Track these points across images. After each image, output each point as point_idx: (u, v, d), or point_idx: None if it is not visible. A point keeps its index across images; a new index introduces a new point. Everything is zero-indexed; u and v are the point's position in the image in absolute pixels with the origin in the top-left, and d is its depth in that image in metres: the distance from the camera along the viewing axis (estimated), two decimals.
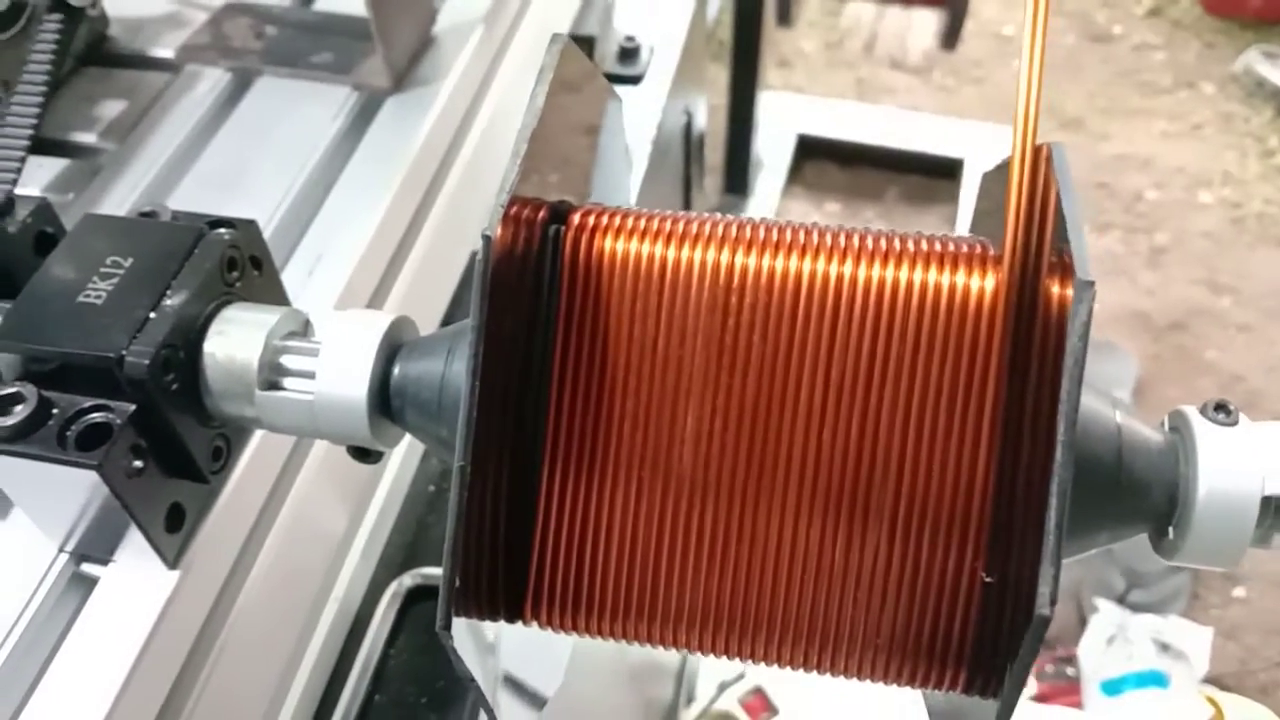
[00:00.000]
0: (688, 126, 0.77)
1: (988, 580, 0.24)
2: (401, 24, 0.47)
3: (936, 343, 0.24)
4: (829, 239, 0.25)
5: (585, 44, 0.68)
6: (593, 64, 0.29)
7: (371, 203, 0.43)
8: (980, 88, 2.53)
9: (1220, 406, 0.28)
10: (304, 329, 0.32)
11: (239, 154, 0.47)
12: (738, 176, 2.19)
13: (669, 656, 1.28)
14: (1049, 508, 0.19)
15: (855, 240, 0.25)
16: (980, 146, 2.30)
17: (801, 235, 0.25)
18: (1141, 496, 0.27)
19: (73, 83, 0.51)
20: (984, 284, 0.24)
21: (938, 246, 0.25)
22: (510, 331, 0.25)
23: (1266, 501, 0.26)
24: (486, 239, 0.22)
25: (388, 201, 0.43)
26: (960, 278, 0.24)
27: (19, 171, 0.46)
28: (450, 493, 0.23)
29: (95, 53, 0.53)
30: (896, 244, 0.25)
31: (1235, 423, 0.27)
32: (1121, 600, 1.65)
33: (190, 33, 0.53)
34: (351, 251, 0.41)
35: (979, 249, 0.25)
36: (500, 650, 0.28)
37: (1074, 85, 2.48)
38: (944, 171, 2.29)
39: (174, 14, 0.55)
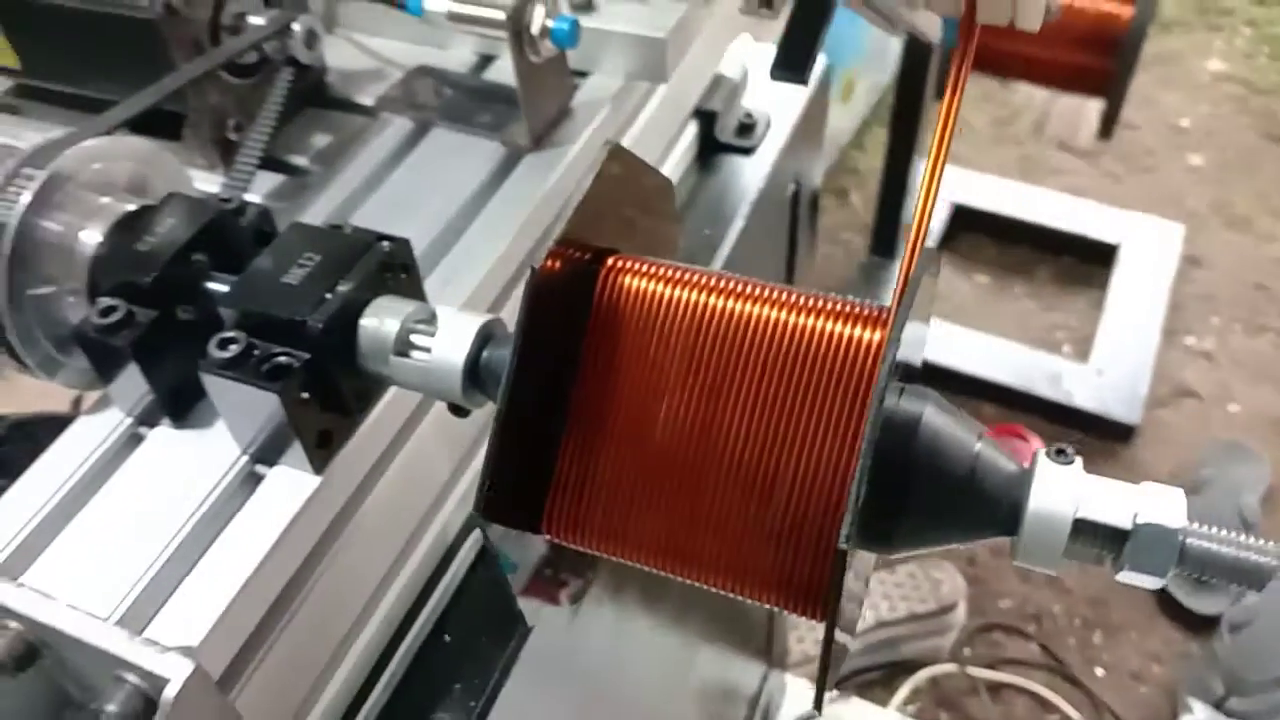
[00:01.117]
0: (795, 194, 0.88)
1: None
2: (544, 98, 0.61)
3: (835, 371, 0.35)
4: (771, 292, 0.37)
5: (708, 118, 0.80)
6: (642, 161, 0.40)
7: (499, 237, 0.57)
8: (1148, 177, 2.53)
9: (1060, 451, 0.37)
10: (430, 319, 0.46)
11: (409, 187, 0.61)
12: (886, 240, 2.25)
13: (746, 679, 1.37)
14: (855, 479, 0.30)
15: (790, 295, 0.37)
16: (1137, 236, 2.30)
17: (754, 289, 0.37)
18: (992, 508, 0.37)
19: (297, 117, 0.67)
20: (873, 336, 0.35)
21: (848, 307, 0.36)
22: (552, 332, 0.37)
23: (1077, 522, 0.36)
24: (531, 269, 0.34)
25: (510, 238, 0.56)
26: (858, 330, 0.35)
27: (250, 182, 0.62)
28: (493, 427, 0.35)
29: (316, 95, 0.69)
30: (820, 301, 0.36)
31: (1070, 464, 0.37)
32: (1219, 705, 1.64)
33: (387, 86, 0.68)
34: (478, 271, 0.55)
35: (875, 311, 0.36)
36: None
37: (1246, 184, 2.46)
38: (1098, 256, 2.29)
39: (378, 70, 0.70)
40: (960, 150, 2.58)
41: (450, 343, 0.43)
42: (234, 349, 0.44)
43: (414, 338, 0.45)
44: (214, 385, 0.45)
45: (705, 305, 0.37)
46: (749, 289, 0.37)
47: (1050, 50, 1.78)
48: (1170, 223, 2.24)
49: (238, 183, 0.61)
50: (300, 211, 0.60)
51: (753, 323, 0.36)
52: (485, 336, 0.44)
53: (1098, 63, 1.73)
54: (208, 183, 0.64)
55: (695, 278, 0.38)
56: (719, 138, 0.81)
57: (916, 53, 1.88)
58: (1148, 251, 2.18)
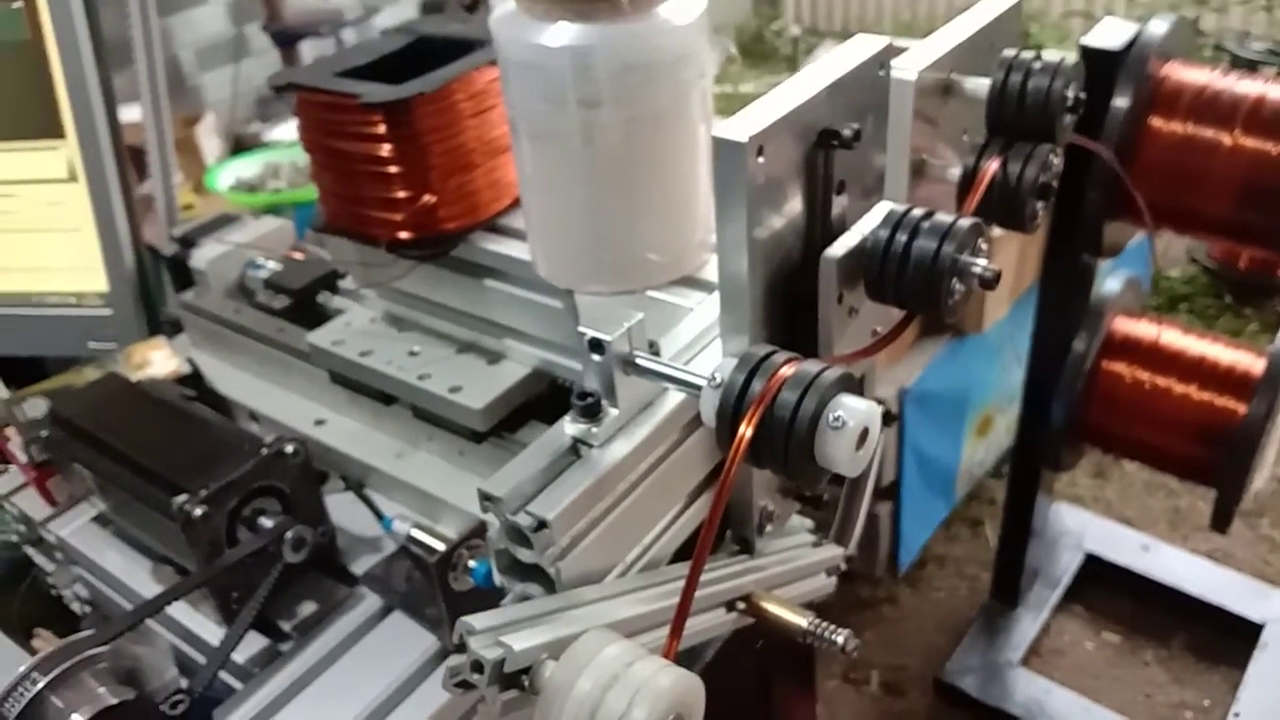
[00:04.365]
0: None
1: None
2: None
3: None
4: None
5: None
6: None
7: None
8: None
9: None
10: None
11: (356, 668, 0.75)
12: (1008, 586, 2.22)
13: None
14: None
15: None
16: None
17: None
18: None
19: (296, 583, 0.83)
20: None
21: None
22: None
23: None
24: None
25: None
26: None
27: (239, 640, 0.77)
28: None
29: (321, 556, 0.85)
30: None
31: None
32: None
33: (375, 560, 0.83)
34: None
35: None
36: None
37: None
38: (1240, 632, 2.18)
39: (374, 540, 0.86)
40: (1108, 492, 2.52)
41: None
42: None
43: None
44: None
45: None
46: None
47: (1163, 437, 1.77)
48: None
49: (228, 644, 0.77)
50: (262, 683, 0.75)
51: None
52: None
53: (1208, 455, 1.71)
54: (214, 634, 0.81)
55: None
56: None
57: (1038, 398, 1.90)
58: None
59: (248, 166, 2.56)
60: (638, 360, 0.56)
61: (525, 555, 0.54)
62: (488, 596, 0.60)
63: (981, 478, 2.58)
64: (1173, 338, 1.80)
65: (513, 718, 0.49)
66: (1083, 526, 2.37)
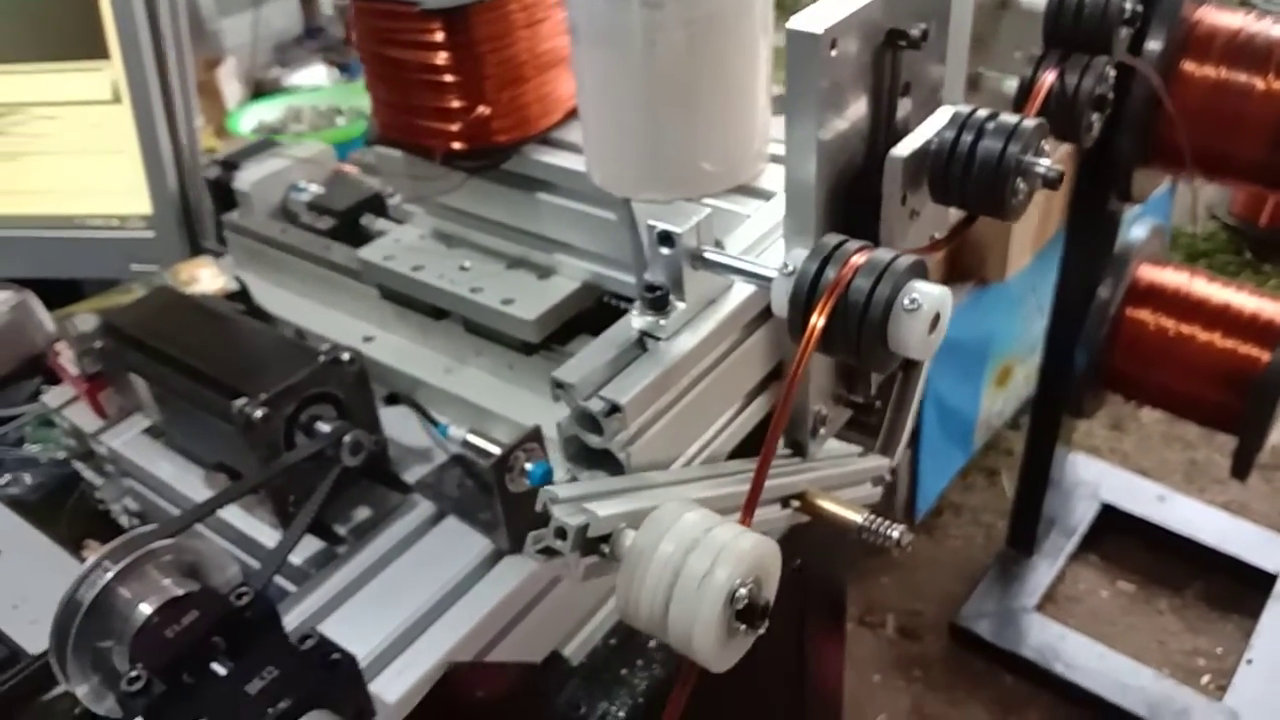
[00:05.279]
0: (798, 569, 0.97)
1: None
2: (520, 516, 0.75)
3: None
4: None
5: None
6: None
7: (452, 637, 0.71)
8: None
9: None
10: None
11: (411, 570, 0.76)
12: (1024, 534, 2.24)
13: None
14: None
15: None
16: None
17: None
18: None
19: (351, 488, 0.84)
20: None
21: None
22: None
23: None
24: None
25: (456, 641, 0.70)
26: None
27: (296, 544, 0.79)
28: None
29: (374, 465, 0.86)
30: None
31: None
32: None
33: (426, 470, 0.85)
34: (424, 667, 0.69)
35: None
36: None
37: None
38: (1255, 582, 2.20)
39: (425, 451, 0.88)
40: (1125, 444, 2.54)
41: None
42: None
43: None
44: None
45: None
46: None
47: (1185, 384, 1.78)
48: None
49: (288, 543, 0.78)
50: (328, 578, 0.76)
51: None
52: None
53: (1230, 402, 1.72)
54: (270, 538, 0.83)
55: None
56: None
57: (1061, 344, 1.91)
58: None
59: (269, 110, 2.55)
60: (706, 254, 0.57)
61: (595, 441, 0.55)
62: None
63: (999, 428, 2.59)
64: (1197, 285, 1.80)
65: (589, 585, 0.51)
66: (1099, 477, 2.39)
